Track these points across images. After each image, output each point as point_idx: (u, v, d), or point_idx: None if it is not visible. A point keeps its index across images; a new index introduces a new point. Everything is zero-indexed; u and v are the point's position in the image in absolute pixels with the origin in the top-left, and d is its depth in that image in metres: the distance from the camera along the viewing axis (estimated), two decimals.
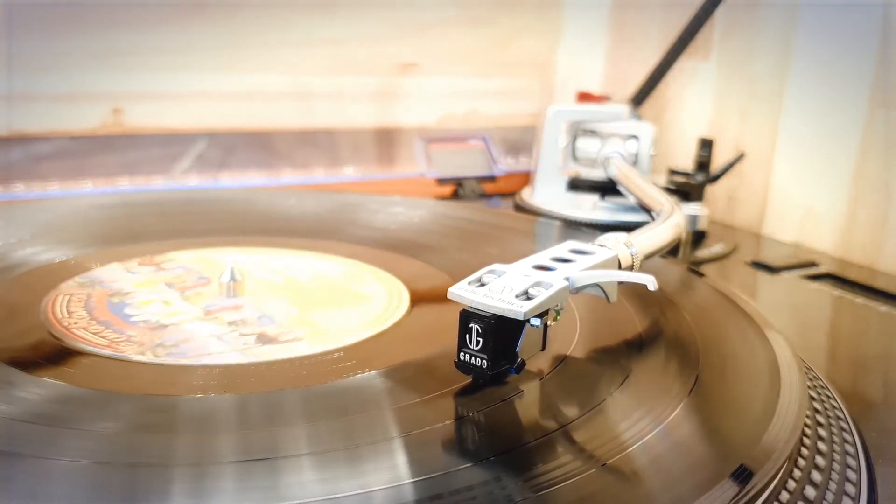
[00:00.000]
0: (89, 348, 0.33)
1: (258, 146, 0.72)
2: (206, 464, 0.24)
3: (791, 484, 0.26)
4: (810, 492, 0.26)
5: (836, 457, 0.29)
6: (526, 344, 0.29)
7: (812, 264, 0.57)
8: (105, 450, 0.25)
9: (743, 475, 0.24)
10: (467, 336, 0.29)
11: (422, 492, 0.23)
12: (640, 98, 0.70)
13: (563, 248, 0.34)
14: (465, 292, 0.29)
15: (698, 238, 0.61)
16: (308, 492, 0.23)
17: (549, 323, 0.30)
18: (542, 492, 0.23)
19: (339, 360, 0.32)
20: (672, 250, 0.42)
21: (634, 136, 0.63)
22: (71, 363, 0.32)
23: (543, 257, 0.33)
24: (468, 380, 0.30)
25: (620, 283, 0.33)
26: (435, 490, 0.23)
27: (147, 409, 0.28)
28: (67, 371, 0.31)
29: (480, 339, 0.28)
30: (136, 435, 0.26)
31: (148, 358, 0.32)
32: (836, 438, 0.30)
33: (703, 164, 0.62)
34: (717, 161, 0.63)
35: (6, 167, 0.62)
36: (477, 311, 0.28)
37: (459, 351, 0.29)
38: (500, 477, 0.24)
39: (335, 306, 0.39)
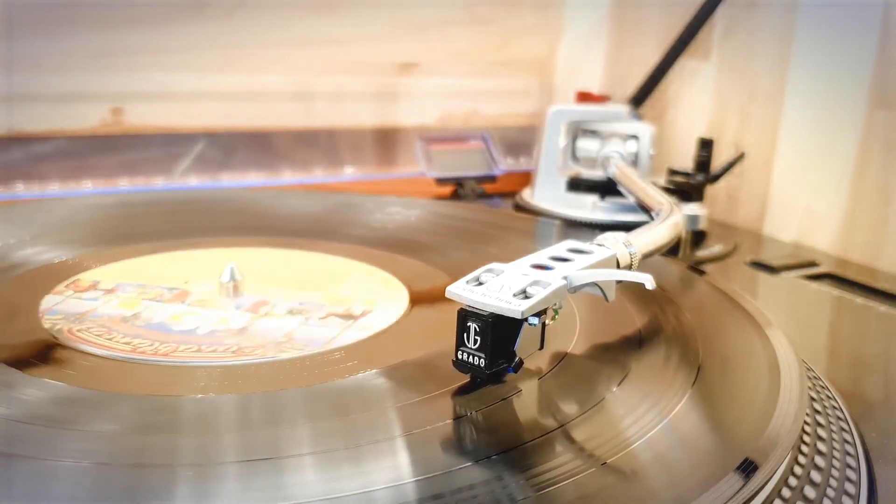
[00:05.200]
0: (218, 363, 0.32)
1: (258, 146, 0.72)
2: (207, 464, 0.25)
3: (791, 483, 0.26)
4: (810, 491, 0.26)
5: (837, 456, 0.29)
6: (524, 343, 0.29)
7: (812, 264, 0.57)
8: (106, 451, 0.25)
9: (745, 472, 0.24)
10: (465, 335, 0.29)
11: (423, 491, 0.23)
12: (640, 98, 0.70)
13: (562, 248, 0.34)
14: (463, 291, 0.29)
15: (698, 238, 0.61)
16: (309, 492, 0.23)
17: (547, 322, 0.30)
18: (544, 490, 0.23)
19: (339, 359, 0.32)
20: (672, 250, 0.42)
21: (634, 136, 0.63)
22: (71, 364, 0.32)
23: (542, 256, 0.33)
24: (468, 378, 0.30)
25: (619, 282, 0.33)
26: (436, 489, 0.23)
27: (148, 409, 0.28)
28: (67, 372, 0.31)
29: (478, 338, 0.28)
30: (138, 436, 0.26)
31: (291, 355, 0.33)
32: (836, 438, 0.30)
33: (702, 164, 0.62)
34: (717, 161, 0.63)
35: (6, 167, 0.62)
36: (475, 310, 0.29)
37: (457, 350, 0.29)
38: (502, 476, 0.24)
39: (344, 283, 0.39)
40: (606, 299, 0.33)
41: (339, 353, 0.33)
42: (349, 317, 0.36)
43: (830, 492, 0.27)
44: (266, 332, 0.35)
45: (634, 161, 0.62)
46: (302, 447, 0.25)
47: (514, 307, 0.28)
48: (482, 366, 0.28)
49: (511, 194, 0.71)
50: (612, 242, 0.35)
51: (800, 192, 0.63)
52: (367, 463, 0.25)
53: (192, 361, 0.32)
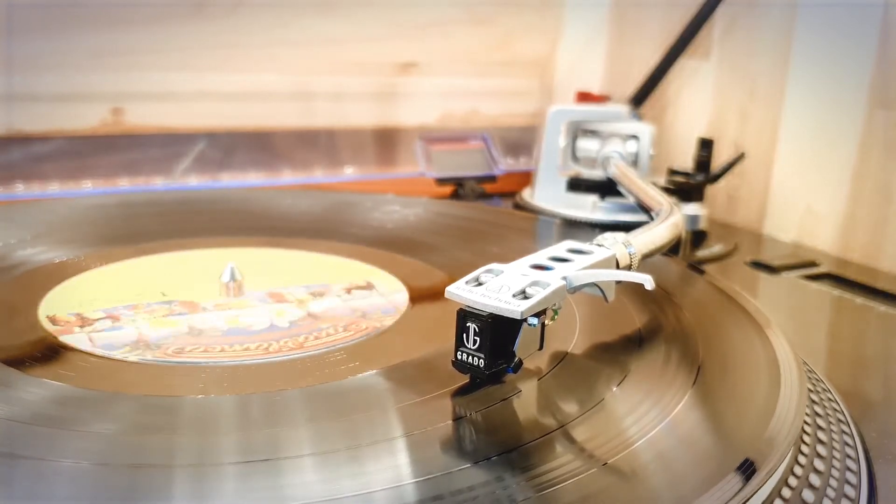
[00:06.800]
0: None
1: (258, 146, 0.72)
2: (206, 465, 0.25)
3: (791, 483, 0.26)
4: (810, 491, 0.26)
5: (837, 456, 0.29)
6: (523, 343, 0.29)
7: (812, 264, 0.57)
8: (105, 451, 0.25)
9: (745, 472, 0.24)
10: (464, 335, 0.29)
11: (423, 492, 0.23)
12: (640, 98, 0.70)
13: (561, 248, 0.34)
14: (462, 291, 0.29)
15: (698, 238, 0.61)
16: (309, 492, 0.23)
17: (546, 322, 0.30)
18: (545, 491, 0.23)
19: (339, 360, 0.32)
20: (672, 250, 0.42)
21: (634, 136, 0.63)
22: (71, 364, 0.32)
23: (541, 257, 0.33)
24: (467, 379, 0.30)
25: (618, 282, 0.33)
26: (436, 490, 0.23)
27: (148, 409, 0.28)
28: (67, 371, 0.31)
29: (477, 339, 0.28)
30: (137, 436, 0.26)
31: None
32: (836, 438, 0.30)
33: (702, 164, 0.62)
34: (717, 161, 0.63)
35: (6, 167, 0.62)
36: (474, 311, 0.28)
37: (457, 350, 0.29)
38: (502, 476, 0.24)
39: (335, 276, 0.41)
40: (606, 299, 0.33)
41: (339, 354, 0.33)
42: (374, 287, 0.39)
43: (830, 492, 0.27)
44: (334, 316, 0.37)
45: (634, 161, 0.62)
46: (301, 448, 0.25)
47: (513, 307, 0.28)
48: (481, 366, 0.28)
49: (511, 194, 0.71)
50: (612, 243, 0.35)
51: (800, 192, 0.63)
52: (367, 464, 0.25)
53: (193, 361, 0.32)
